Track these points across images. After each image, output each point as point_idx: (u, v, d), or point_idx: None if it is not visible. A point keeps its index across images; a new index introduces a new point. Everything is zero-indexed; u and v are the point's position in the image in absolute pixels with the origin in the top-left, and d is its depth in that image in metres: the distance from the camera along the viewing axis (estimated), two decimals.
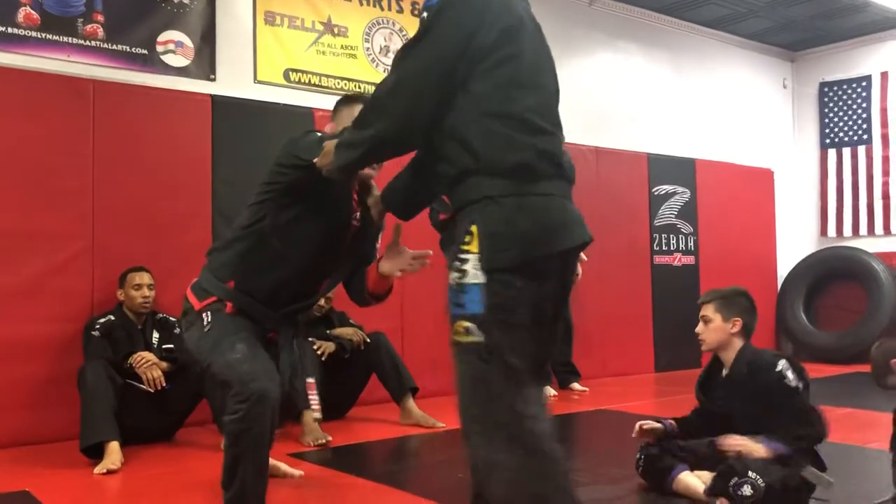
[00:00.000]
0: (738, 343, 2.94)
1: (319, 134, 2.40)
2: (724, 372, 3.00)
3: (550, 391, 5.59)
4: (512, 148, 1.76)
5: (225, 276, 2.49)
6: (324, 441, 3.89)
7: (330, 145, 2.08)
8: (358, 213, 2.54)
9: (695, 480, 2.85)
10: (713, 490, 2.67)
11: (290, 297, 2.56)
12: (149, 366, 3.78)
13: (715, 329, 2.96)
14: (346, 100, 2.60)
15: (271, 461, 3.07)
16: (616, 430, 4.56)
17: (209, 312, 2.46)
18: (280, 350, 2.60)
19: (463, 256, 1.74)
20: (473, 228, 1.74)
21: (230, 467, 2.34)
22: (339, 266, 2.60)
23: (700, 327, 3.01)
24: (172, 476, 3.37)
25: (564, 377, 5.80)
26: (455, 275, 1.76)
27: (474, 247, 1.73)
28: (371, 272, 2.55)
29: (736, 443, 2.75)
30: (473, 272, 1.72)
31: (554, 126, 1.87)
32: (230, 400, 2.34)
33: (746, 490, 2.56)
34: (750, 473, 2.59)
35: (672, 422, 3.07)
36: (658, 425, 3.06)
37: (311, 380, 4.12)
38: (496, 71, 1.78)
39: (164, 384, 3.81)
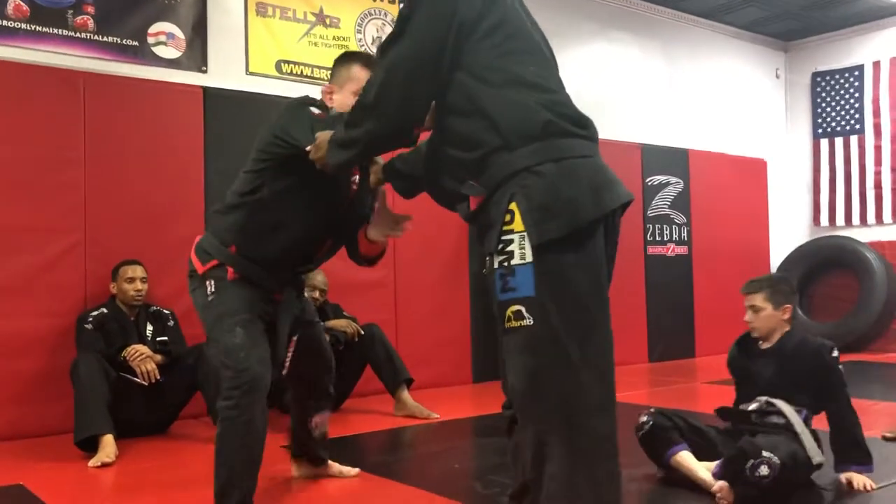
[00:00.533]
0: (786, 326, 3.06)
1: (316, 111, 2.37)
2: (764, 345, 3.08)
3: None
4: (531, 110, 1.66)
5: (227, 240, 2.52)
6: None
7: (323, 138, 2.04)
8: (357, 177, 2.55)
9: (694, 462, 2.86)
10: (723, 474, 2.66)
11: (291, 262, 2.60)
12: (142, 359, 3.78)
13: (768, 317, 3.04)
14: (343, 58, 2.59)
15: (331, 463, 3.13)
16: None
17: (213, 281, 2.50)
18: (281, 313, 2.64)
19: (507, 238, 1.63)
20: (513, 206, 1.63)
21: (219, 454, 2.41)
22: (339, 230, 2.62)
23: (749, 316, 3.07)
24: (167, 469, 3.37)
25: None
26: (500, 258, 1.65)
27: (518, 225, 1.62)
28: (361, 236, 2.58)
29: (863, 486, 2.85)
30: (520, 252, 1.61)
31: (562, 91, 1.78)
32: (224, 384, 2.42)
33: (763, 470, 2.57)
34: (764, 453, 2.59)
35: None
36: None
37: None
38: (489, 40, 1.70)
39: (157, 377, 3.80)
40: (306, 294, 4.30)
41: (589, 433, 1.61)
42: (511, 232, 1.62)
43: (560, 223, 1.60)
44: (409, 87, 1.73)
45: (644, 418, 3.01)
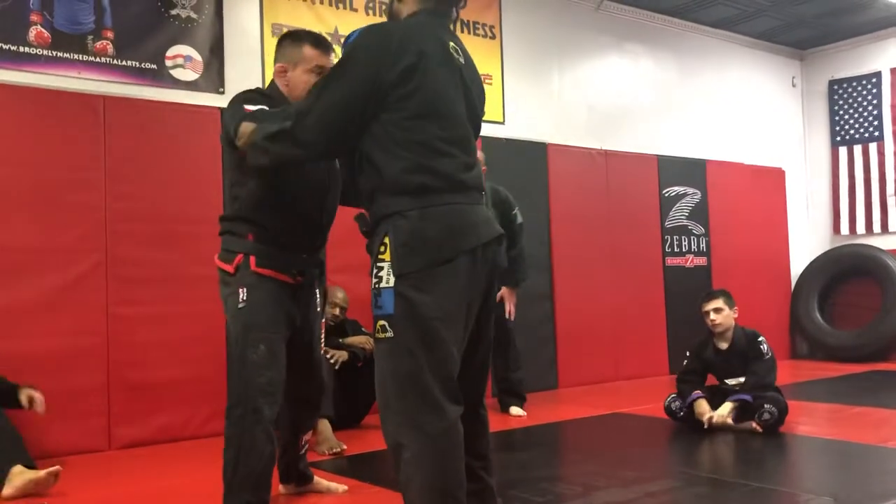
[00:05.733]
0: (733, 324, 4.33)
1: (250, 107, 2.44)
2: (722, 346, 4.33)
3: (519, 411, 4.88)
4: (413, 172, 2.02)
5: (243, 231, 2.66)
6: (339, 450, 3.90)
7: (244, 130, 2.28)
8: None
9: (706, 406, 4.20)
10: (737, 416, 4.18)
11: (303, 229, 2.70)
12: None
13: (727, 316, 4.28)
14: (292, 37, 2.73)
15: (318, 480, 3.16)
16: (630, 433, 4.55)
17: (245, 288, 2.60)
18: (304, 295, 2.77)
19: (380, 265, 2.02)
20: (387, 240, 2.01)
21: (224, 463, 2.59)
22: (332, 190, 2.77)
23: (716, 316, 4.27)
24: (199, 482, 3.40)
25: (502, 399, 4.99)
26: (374, 280, 2.03)
27: (388, 256, 2.00)
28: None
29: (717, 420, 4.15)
30: (387, 278, 1.99)
31: (460, 147, 2.09)
32: (232, 396, 2.59)
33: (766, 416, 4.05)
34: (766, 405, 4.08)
35: (698, 392, 4.33)
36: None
37: None
38: (400, 104, 2.02)
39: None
40: (327, 310, 4.34)
41: (426, 429, 1.96)
42: (384, 261, 2.01)
43: (417, 259, 1.98)
44: (328, 131, 2.07)
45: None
